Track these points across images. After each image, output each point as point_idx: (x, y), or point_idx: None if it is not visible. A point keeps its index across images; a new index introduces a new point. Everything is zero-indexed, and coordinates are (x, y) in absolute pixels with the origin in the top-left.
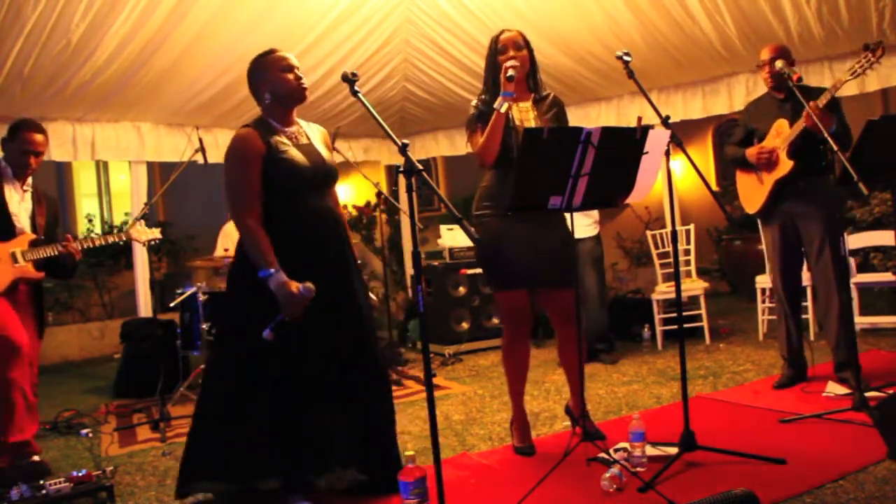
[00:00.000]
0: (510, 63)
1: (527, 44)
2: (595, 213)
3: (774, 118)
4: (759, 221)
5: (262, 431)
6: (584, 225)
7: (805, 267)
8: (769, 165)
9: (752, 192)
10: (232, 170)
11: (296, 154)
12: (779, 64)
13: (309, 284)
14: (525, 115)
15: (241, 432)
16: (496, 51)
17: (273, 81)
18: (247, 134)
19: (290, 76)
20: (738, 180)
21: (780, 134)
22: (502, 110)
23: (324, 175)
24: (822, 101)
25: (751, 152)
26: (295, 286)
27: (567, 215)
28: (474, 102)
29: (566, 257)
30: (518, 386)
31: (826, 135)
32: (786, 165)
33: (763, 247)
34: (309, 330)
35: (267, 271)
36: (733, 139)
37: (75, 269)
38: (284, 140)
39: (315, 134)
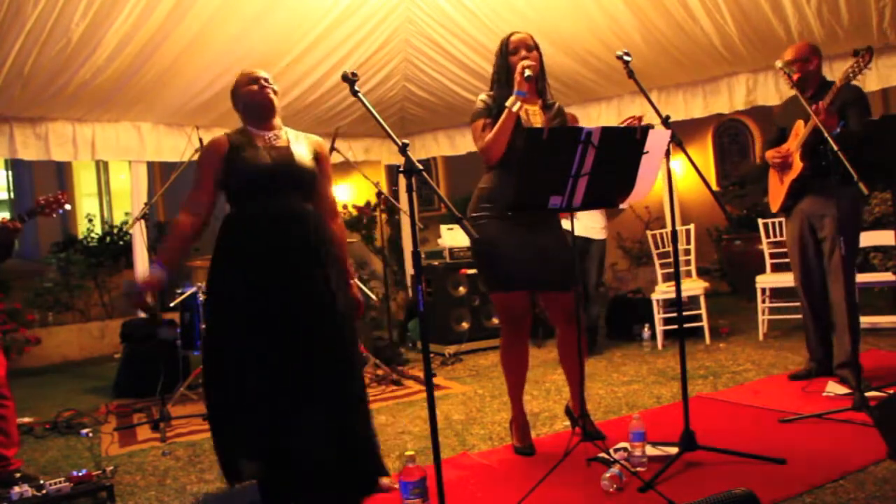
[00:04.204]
0: (526, 63)
1: (536, 46)
2: (603, 220)
3: (796, 118)
4: (759, 221)
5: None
6: (599, 227)
7: None
8: (783, 167)
9: (775, 191)
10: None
11: (258, 153)
12: (778, 63)
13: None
14: (534, 118)
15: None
16: (507, 52)
17: (241, 95)
18: (215, 137)
19: (255, 87)
20: (769, 178)
21: (798, 134)
22: (514, 109)
23: (286, 173)
24: (826, 101)
25: (768, 155)
26: (148, 283)
27: (565, 217)
28: (482, 97)
29: (564, 259)
30: (517, 386)
31: (826, 134)
32: (797, 166)
33: (763, 246)
34: (269, 330)
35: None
36: (769, 139)
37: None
38: (255, 142)
39: (301, 140)
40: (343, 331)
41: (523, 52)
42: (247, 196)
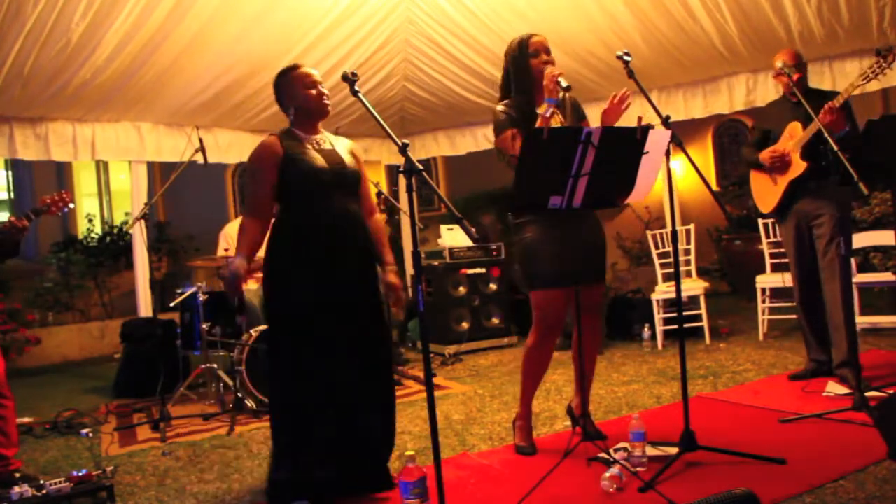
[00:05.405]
0: (558, 72)
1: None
2: None
3: (788, 121)
4: (759, 221)
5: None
6: None
7: None
8: (782, 168)
9: (766, 192)
10: (248, 173)
11: (314, 156)
12: (779, 63)
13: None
14: (553, 118)
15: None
16: (527, 54)
17: (298, 98)
18: (268, 141)
19: (314, 92)
20: (752, 180)
21: (794, 136)
22: (548, 115)
23: (341, 176)
24: (838, 102)
25: (764, 155)
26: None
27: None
28: (500, 108)
29: (599, 251)
30: (533, 387)
31: (826, 135)
32: (799, 166)
33: (763, 247)
34: (325, 330)
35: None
36: (750, 140)
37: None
38: (305, 145)
39: (341, 144)
40: (387, 330)
41: (545, 57)
42: (304, 199)
